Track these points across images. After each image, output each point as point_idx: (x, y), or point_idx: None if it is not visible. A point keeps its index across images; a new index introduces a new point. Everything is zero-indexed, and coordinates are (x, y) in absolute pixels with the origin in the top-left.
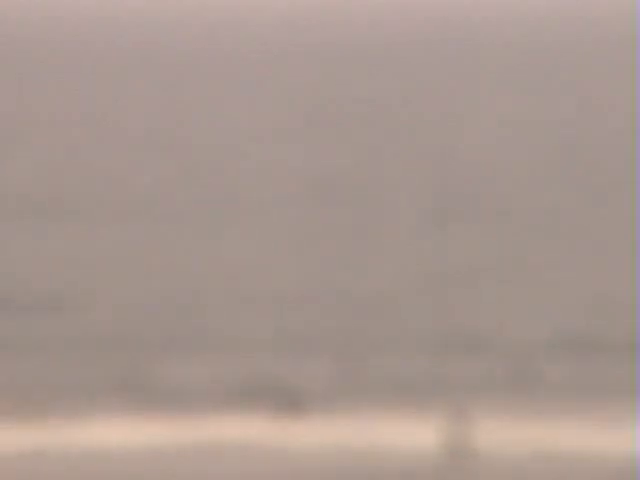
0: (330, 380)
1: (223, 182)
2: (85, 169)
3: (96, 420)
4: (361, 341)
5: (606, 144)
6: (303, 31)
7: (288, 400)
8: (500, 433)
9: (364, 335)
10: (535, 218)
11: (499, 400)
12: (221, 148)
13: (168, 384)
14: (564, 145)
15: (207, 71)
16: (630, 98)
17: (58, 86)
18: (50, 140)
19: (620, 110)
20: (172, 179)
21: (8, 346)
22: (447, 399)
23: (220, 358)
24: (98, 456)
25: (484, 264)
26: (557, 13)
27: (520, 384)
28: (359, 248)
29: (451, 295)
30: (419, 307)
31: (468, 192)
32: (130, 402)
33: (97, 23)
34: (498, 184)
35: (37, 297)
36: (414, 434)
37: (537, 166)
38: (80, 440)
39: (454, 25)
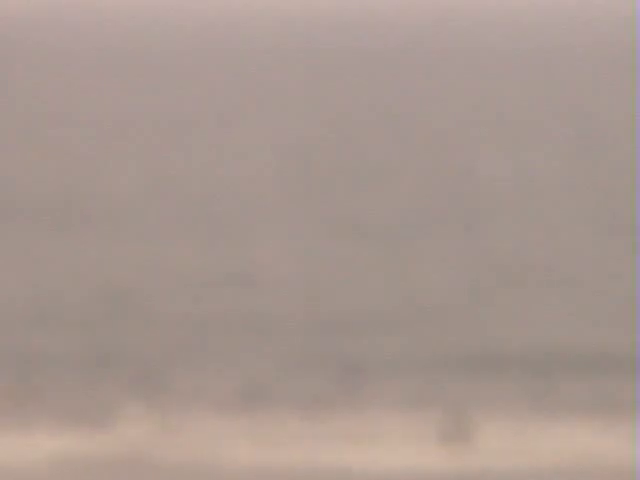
0: (334, 395)
1: (224, 186)
2: (86, 171)
3: (111, 426)
4: (361, 355)
5: (607, 144)
6: (305, 34)
7: (296, 405)
8: (502, 445)
9: (364, 349)
10: (539, 227)
11: (501, 412)
12: (221, 148)
13: (179, 391)
14: (565, 146)
15: (207, 72)
16: (630, 98)
17: (56, 86)
18: (46, 141)
19: (620, 110)
20: (171, 180)
21: (20, 354)
22: (449, 411)
23: (224, 368)
24: (115, 463)
25: (491, 276)
26: (557, 13)
27: (524, 397)
28: (361, 263)
29: (458, 307)
30: (425, 319)
31: (469, 199)
32: (144, 408)
33: (97, 23)
34: (500, 188)
35: (44, 308)
36: (415, 446)
37: (538, 169)
38: (98, 445)
39: (452, 26)
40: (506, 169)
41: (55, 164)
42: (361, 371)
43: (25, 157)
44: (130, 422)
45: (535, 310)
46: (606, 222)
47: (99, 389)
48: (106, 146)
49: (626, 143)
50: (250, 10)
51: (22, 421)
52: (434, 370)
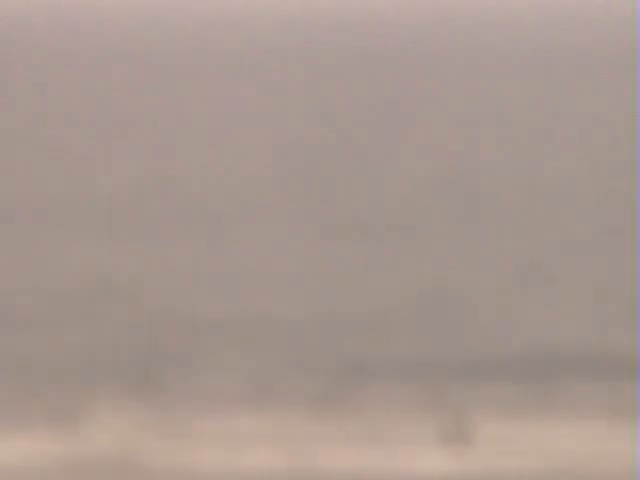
0: (334, 395)
1: (224, 186)
2: (86, 171)
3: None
4: (362, 355)
5: (607, 144)
6: (305, 34)
7: (296, 405)
8: (502, 446)
9: (364, 349)
10: (539, 227)
11: (501, 413)
12: (221, 148)
13: (178, 388)
14: (565, 146)
15: (207, 72)
16: (630, 98)
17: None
18: (43, 142)
19: (620, 110)
20: (171, 180)
21: (24, 356)
22: (449, 412)
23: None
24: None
25: (490, 277)
26: (557, 13)
27: (524, 398)
28: (361, 263)
29: (458, 307)
30: (425, 319)
31: (469, 199)
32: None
33: (97, 23)
34: (500, 188)
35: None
36: (415, 447)
37: (538, 169)
38: (98, 445)
39: (452, 26)
40: (506, 169)
41: (55, 164)
42: (361, 371)
43: (25, 157)
44: (130, 422)
45: (535, 310)
46: (606, 222)
47: (98, 389)
48: (106, 146)
49: (626, 143)
50: (250, 10)
51: (21, 421)
52: (434, 370)
